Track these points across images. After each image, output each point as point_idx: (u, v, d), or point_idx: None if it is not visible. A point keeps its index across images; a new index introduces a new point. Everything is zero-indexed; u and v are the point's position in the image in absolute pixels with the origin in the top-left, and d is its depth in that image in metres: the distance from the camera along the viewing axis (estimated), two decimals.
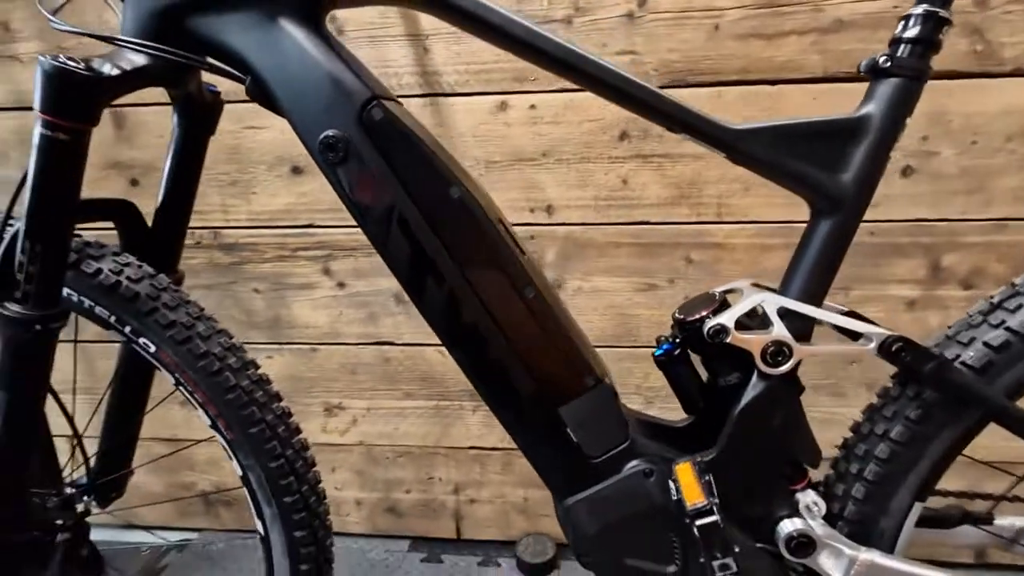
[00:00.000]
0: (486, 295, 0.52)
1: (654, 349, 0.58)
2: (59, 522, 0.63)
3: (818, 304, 0.53)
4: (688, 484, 0.48)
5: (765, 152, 0.50)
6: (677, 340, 0.57)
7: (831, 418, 1.10)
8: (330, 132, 0.49)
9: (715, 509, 0.42)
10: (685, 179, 1.01)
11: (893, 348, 0.49)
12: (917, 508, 0.56)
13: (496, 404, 0.55)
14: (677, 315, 0.56)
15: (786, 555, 0.54)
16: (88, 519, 0.69)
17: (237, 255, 1.14)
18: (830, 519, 0.57)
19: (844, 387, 1.08)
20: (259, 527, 0.65)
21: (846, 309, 0.58)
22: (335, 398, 1.21)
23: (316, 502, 0.66)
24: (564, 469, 0.56)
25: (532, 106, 1.00)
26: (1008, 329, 0.51)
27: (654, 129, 0.99)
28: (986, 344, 0.51)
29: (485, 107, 1.01)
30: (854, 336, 0.52)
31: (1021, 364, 0.51)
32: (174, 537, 1.30)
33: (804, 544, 0.54)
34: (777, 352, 0.51)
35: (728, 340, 0.51)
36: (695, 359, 0.58)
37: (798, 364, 0.52)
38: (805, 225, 0.54)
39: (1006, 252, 0.99)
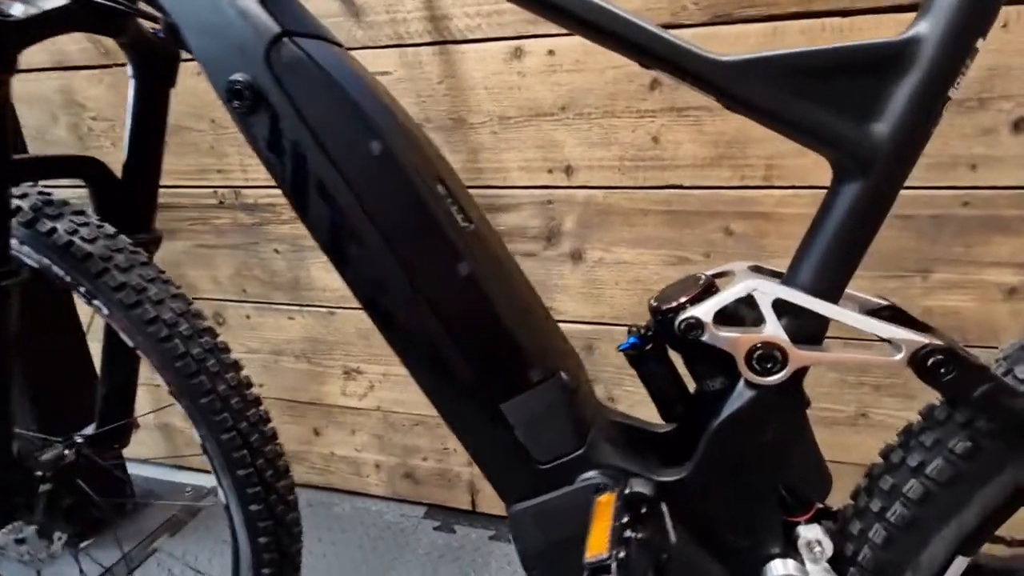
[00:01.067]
0: (411, 269, 0.44)
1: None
2: (39, 473, 0.65)
3: (835, 296, 0.40)
4: (597, 527, 0.38)
5: (767, 93, 0.38)
6: (650, 332, 0.46)
7: (897, 424, 0.93)
8: (236, 76, 0.42)
9: (614, 568, 0.33)
10: (727, 136, 0.86)
11: (929, 362, 0.36)
12: (961, 563, 0.43)
13: (432, 392, 0.48)
14: (652, 302, 0.46)
15: None
16: (95, 465, 0.70)
17: (258, 215, 1.14)
18: (839, 564, 0.46)
19: (913, 388, 0.91)
20: (221, 496, 0.64)
21: (885, 302, 0.45)
22: (353, 362, 1.20)
23: (274, 476, 0.63)
24: (510, 472, 0.49)
25: (550, 52, 0.88)
26: None
27: None
28: None
29: (498, 54, 0.90)
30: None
31: None
32: None
33: None
34: (766, 356, 0.39)
35: (704, 338, 0.41)
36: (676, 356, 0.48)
37: (801, 373, 0.41)
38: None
39: None
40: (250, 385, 0.64)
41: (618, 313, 1.01)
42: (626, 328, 0.97)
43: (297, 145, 0.43)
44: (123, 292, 0.57)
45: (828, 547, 0.45)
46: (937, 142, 0.79)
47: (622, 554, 0.32)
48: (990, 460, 0.40)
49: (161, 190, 1.01)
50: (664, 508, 0.40)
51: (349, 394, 1.23)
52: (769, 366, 0.40)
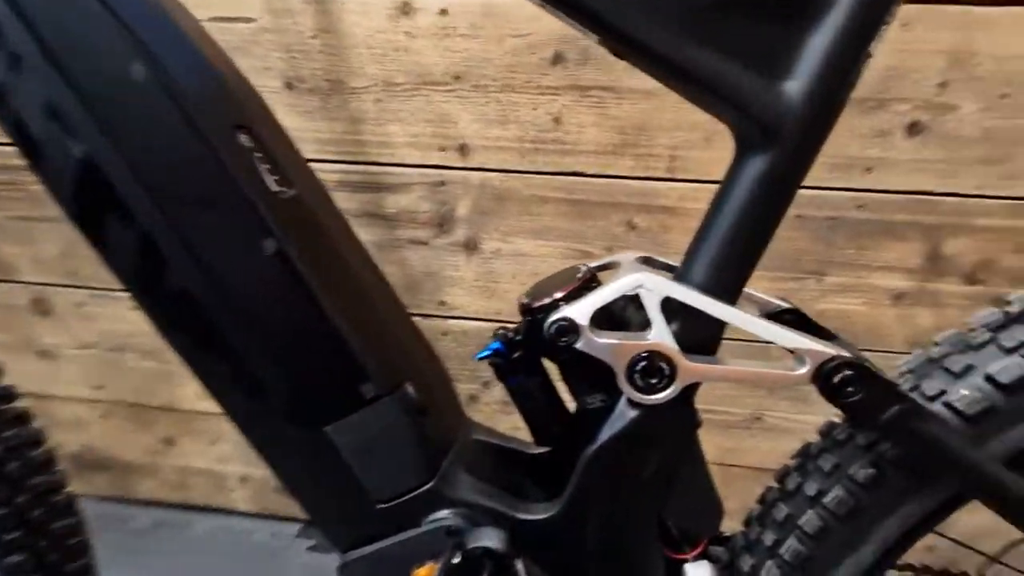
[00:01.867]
0: (196, 245, 0.32)
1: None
2: None
3: (733, 296, 0.33)
4: None
5: (664, 35, 0.29)
6: (518, 337, 0.37)
7: (793, 427, 0.92)
8: None
9: None
10: (632, 122, 0.80)
11: (836, 378, 0.30)
12: None
13: (233, 411, 0.36)
14: (523, 298, 0.37)
15: None
16: None
17: None
18: None
19: (809, 390, 0.90)
20: None
21: (787, 305, 0.39)
22: None
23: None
24: (340, 514, 0.38)
25: (442, 11, 0.77)
26: None
27: (595, 51, 0.77)
28: (990, 379, 0.32)
29: (382, 9, 0.78)
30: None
31: None
32: None
33: None
34: (651, 369, 0.32)
35: (579, 345, 0.32)
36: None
37: (691, 388, 0.33)
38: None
39: None
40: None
41: (515, 310, 0.92)
42: None
43: (18, 58, 0.30)
44: None
45: None
46: (835, 142, 0.78)
47: None
48: (893, 490, 0.34)
49: None
50: (520, 567, 0.31)
51: (207, 397, 1.06)
52: (654, 381, 0.32)
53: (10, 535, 0.46)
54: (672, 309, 0.32)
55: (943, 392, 0.33)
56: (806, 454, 0.39)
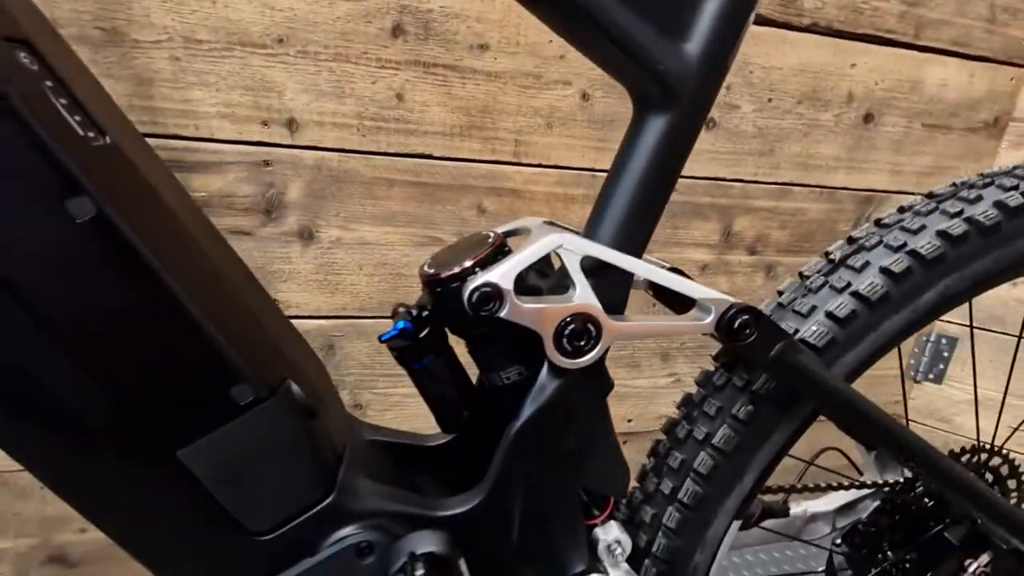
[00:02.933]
0: None
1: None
2: None
3: (640, 251, 0.34)
4: None
5: None
6: (424, 313, 0.33)
7: (628, 392, 1.01)
8: None
9: None
10: (477, 104, 0.79)
11: (736, 323, 0.33)
12: (734, 528, 0.42)
13: (24, 436, 0.25)
14: (427, 269, 0.33)
15: None
16: None
17: None
18: (635, 557, 0.41)
19: (639, 358, 1.00)
20: None
21: (669, 264, 0.41)
22: None
23: None
24: (209, 565, 0.29)
25: None
26: (857, 296, 0.38)
27: (437, 25, 0.74)
28: (830, 315, 0.38)
29: None
30: (677, 302, 0.35)
31: (865, 343, 0.38)
32: None
33: None
34: (580, 332, 0.30)
35: (504, 313, 0.29)
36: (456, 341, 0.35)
37: (606, 351, 0.33)
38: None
39: (788, 219, 0.98)
40: None
41: (363, 304, 0.85)
42: (374, 320, 0.80)
43: None
44: None
45: (627, 545, 0.39)
46: None
47: None
48: (767, 421, 0.39)
49: None
50: (463, 566, 0.28)
51: None
52: (582, 343, 0.31)
53: None
54: (587, 269, 0.32)
55: (796, 331, 0.39)
56: (689, 403, 0.43)
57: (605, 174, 0.33)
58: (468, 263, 0.31)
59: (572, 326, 0.30)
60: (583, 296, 0.30)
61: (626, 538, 0.40)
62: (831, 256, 0.42)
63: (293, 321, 0.81)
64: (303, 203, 0.77)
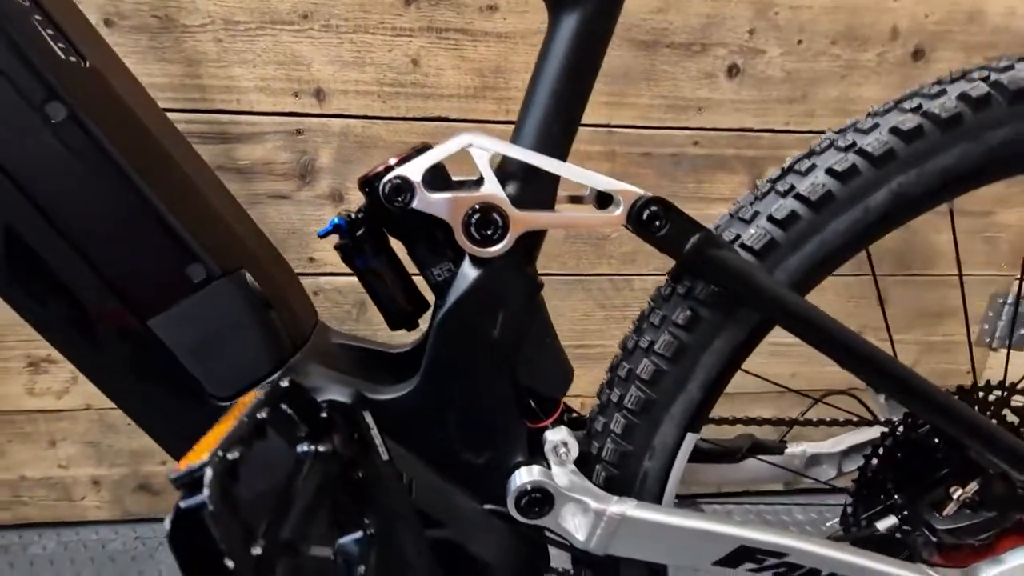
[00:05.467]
0: None
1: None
2: None
3: (562, 152, 0.36)
4: (214, 432, 0.28)
5: None
6: (361, 214, 0.37)
7: None
8: None
9: (208, 477, 0.23)
10: (489, 65, 0.82)
11: (645, 214, 0.34)
12: (690, 441, 0.43)
13: (40, 319, 0.32)
14: (360, 176, 0.37)
15: (516, 516, 0.39)
16: None
17: None
18: (587, 463, 0.43)
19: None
20: None
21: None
22: (42, 348, 0.90)
23: None
24: (180, 420, 0.35)
25: None
26: (798, 197, 0.37)
27: None
28: (770, 218, 0.38)
29: None
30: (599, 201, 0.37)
31: (810, 245, 0.38)
32: None
33: (537, 500, 0.39)
34: (485, 221, 0.33)
35: (414, 204, 0.33)
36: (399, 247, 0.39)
37: (530, 244, 0.35)
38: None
39: None
40: None
41: None
42: None
43: None
44: None
45: (574, 448, 0.41)
46: (669, 84, 0.86)
47: (235, 454, 0.22)
48: (707, 326, 0.39)
49: None
50: (369, 419, 0.31)
51: (40, 392, 0.92)
52: (489, 232, 0.33)
53: None
54: (509, 171, 0.34)
55: (738, 236, 0.39)
56: (641, 317, 0.44)
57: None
58: (392, 162, 0.34)
59: (477, 215, 0.33)
60: (489, 189, 0.33)
61: (573, 442, 0.42)
62: (783, 166, 0.41)
63: (327, 278, 0.89)
64: (333, 168, 0.84)
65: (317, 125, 0.82)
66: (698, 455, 0.54)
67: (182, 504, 0.21)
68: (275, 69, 0.79)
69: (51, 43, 0.30)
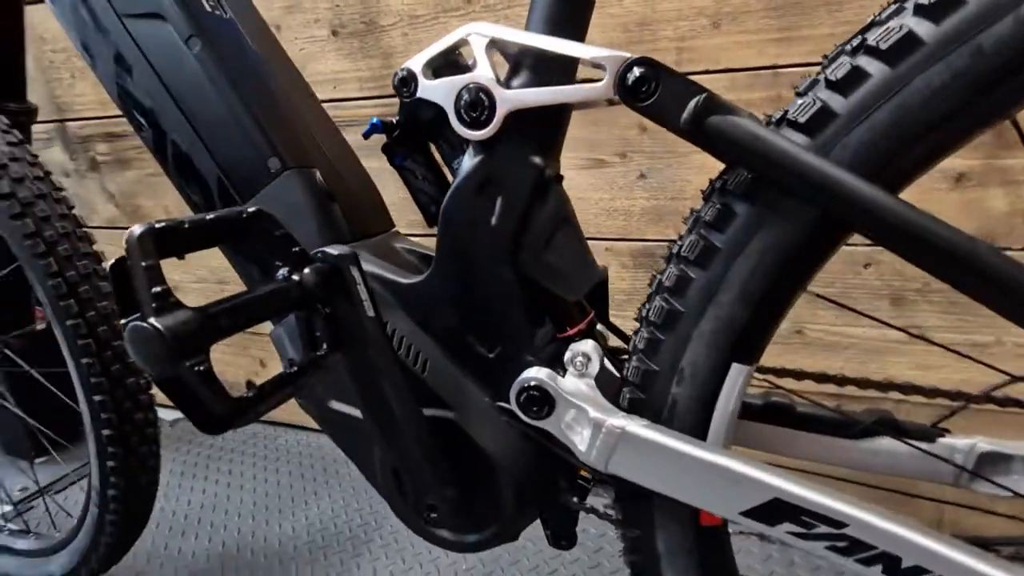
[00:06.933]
0: (145, 46, 0.42)
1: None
2: None
3: (576, 34, 0.35)
4: None
5: None
6: (397, 118, 0.42)
7: (836, 341, 0.83)
8: None
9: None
10: (634, 18, 0.80)
11: (630, 79, 0.30)
12: (738, 373, 0.36)
13: (185, 186, 0.45)
14: None
15: (517, 412, 0.39)
16: None
17: None
18: (609, 382, 0.40)
19: (856, 298, 0.81)
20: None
21: None
22: None
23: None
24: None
25: None
26: (867, 49, 0.29)
27: None
28: (827, 82, 0.30)
29: None
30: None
31: (882, 112, 0.29)
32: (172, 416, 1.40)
33: (536, 399, 0.38)
34: (475, 102, 0.34)
35: (418, 93, 0.36)
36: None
37: (538, 129, 0.35)
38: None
39: None
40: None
41: None
42: None
43: None
44: None
45: (595, 361, 0.39)
46: (857, 6, 0.70)
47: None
48: (740, 224, 0.33)
49: (108, 120, 1.05)
50: (356, 274, 0.35)
51: None
52: (476, 114, 0.34)
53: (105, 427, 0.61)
54: (518, 59, 0.35)
55: (785, 113, 0.32)
56: (686, 222, 0.39)
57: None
58: (409, 65, 0.38)
59: (467, 96, 0.34)
60: (479, 71, 0.34)
61: (596, 356, 0.39)
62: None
63: None
64: None
65: None
66: (795, 419, 0.45)
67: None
68: None
69: (203, 1, 0.43)
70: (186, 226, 0.30)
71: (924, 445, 0.42)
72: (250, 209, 0.34)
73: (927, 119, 0.28)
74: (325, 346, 0.35)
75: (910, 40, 0.28)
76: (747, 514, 0.33)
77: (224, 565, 0.87)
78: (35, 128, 1.25)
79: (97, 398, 0.62)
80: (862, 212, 0.29)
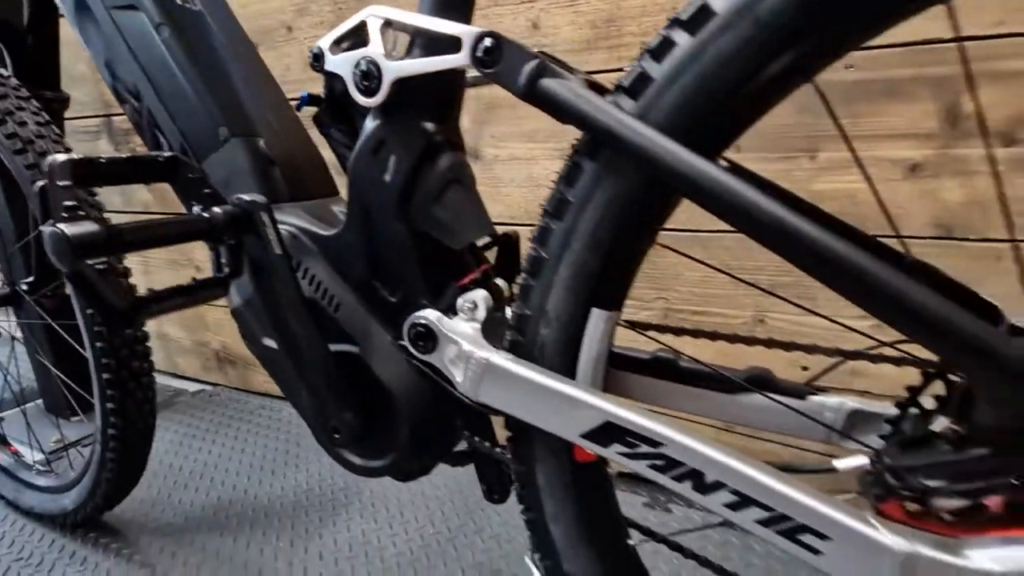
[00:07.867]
0: (125, 32, 0.50)
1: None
2: None
3: (461, 16, 0.40)
4: None
5: None
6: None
7: (797, 331, 0.84)
8: None
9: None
10: (602, 16, 0.84)
11: (480, 50, 0.35)
12: (599, 318, 0.40)
13: (156, 150, 0.53)
14: None
15: (409, 348, 0.44)
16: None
17: None
18: (495, 327, 0.45)
19: (815, 291, 0.81)
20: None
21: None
22: None
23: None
24: None
25: None
26: (675, 21, 0.33)
27: None
28: (648, 50, 0.34)
29: None
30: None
31: (686, 76, 0.33)
32: (194, 387, 1.52)
33: (422, 335, 0.43)
34: (366, 73, 0.40)
35: (326, 66, 0.42)
36: None
37: (427, 98, 0.41)
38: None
39: None
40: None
41: (517, 214, 1.00)
42: (523, 227, 0.96)
43: None
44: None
45: (482, 307, 0.44)
46: None
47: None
48: (585, 178, 0.37)
49: None
50: (266, 218, 0.41)
51: None
52: (367, 83, 0.40)
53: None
54: (414, 39, 0.41)
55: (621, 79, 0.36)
56: None
57: None
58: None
59: (362, 70, 0.40)
60: (372, 47, 0.40)
61: (484, 304, 0.44)
62: None
63: None
64: (470, 128, 0.99)
65: None
66: (678, 374, 0.48)
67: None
68: None
69: None
70: (102, 160, 0.38)
71: (793, 402, 0.45)
72: (166, 154, 0.41)
73: (727, 84, 0.32)
74: (226, 271, 0.41)
75: (705, 11, 0.32)
76: (586, 436, 0.37)
77: (216, 515, 0.96)
78: (85, 122, 1.39)
79: (99, 344, 0.71)
80: (670, 171, 0.33)
